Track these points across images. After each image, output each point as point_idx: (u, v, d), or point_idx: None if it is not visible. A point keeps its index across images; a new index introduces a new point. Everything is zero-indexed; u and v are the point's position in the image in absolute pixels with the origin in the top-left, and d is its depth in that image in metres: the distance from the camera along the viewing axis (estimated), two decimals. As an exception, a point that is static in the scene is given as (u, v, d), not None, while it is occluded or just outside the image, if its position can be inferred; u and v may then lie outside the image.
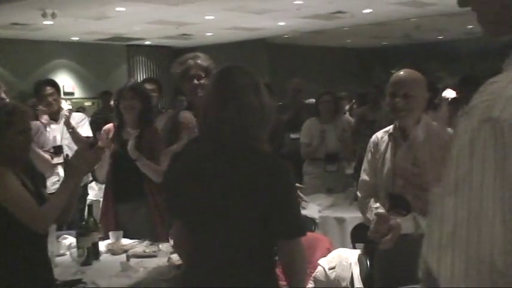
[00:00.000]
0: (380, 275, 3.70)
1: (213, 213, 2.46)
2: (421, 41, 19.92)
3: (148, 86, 6.23)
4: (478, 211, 1.08)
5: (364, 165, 3.78)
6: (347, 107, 11.44)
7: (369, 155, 3.74)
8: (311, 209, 5.60)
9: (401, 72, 3.56)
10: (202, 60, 4.06)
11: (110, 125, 4.87)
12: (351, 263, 4.32)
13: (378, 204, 3.59)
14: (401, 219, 3.41)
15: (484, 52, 18.63)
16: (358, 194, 3.82)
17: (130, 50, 18.40)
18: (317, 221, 5.44)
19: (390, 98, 3.53)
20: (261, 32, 16.42)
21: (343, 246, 4.84)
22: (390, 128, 3.67)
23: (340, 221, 5.43)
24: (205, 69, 4.04)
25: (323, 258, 4.46)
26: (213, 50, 17.58)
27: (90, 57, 17.36)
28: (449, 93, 9.56)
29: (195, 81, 4.02)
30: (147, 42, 17.89)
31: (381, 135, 3.71)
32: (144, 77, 17.70)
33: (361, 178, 3.79)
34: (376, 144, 3.70)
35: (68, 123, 5.79)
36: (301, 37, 17.73)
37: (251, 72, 2.59)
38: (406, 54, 20.11)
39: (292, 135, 7.40)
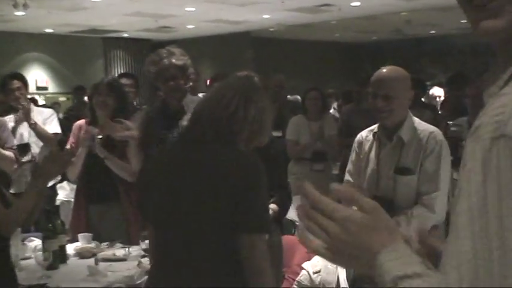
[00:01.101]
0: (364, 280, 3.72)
1: (179, 212, 2.51)
2: (412, 36, 20.03)
3: (124, 81, 6.23)
4: (500, 245, 0.96)
5: (349, 166, 3.81)
6: (335, 105, 11.48)
7: (353, 155, 3.77)
8: (291, 211, 5.61)
9: (383, 71, 3.56)
10: (177, 58, 4.05)
11: (81, 121, 4.84)
12: (336, 267, 4.34)
13: None
14: None
15: (478, 48, 18.79)
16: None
17: (107, 43, 18.35)
18: (297, 223, 5.46)
19: (371, 98, 3.55)
20: (245, 25, 16.44)
21: (325, 249, 4.86)
22: (375, 127, 3.69)
23: (322, 223, 5.45)
24: (181, 68, 4.04)
25: (307, 262, 4.48)
26: (195, 43, 17.62)
27: (65, 50, 17.30)
28: (437, 91, 9.61)
29: (171, 83, 4.03)
30: (125, 35, 17.85)
31: (365, 135, 3.74)
32: (122, 71, 17.65)
33: (345, 179, 3.83)
34: (361, 144, 3.73)
35: (27, 116, 5.76)
36: (287, 31, 17.76)
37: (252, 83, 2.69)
38: (396, 50, 20.24)
39: (275, 133, 7.41)
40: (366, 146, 3.68)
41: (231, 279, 2.47)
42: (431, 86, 10.60)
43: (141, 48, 18.24)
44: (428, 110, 6.85)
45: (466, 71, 7.46)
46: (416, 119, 3.61)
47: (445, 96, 8.14)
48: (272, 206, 3.72)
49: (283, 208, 3.99)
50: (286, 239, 4.97)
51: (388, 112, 3.48)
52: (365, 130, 3.77)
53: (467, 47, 19.14)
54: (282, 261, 2.62)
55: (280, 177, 3.82)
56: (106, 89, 4.64)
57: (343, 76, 18.91)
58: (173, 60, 4.03)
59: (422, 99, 9.00)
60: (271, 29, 17.53)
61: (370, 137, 3.68)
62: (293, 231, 5.32)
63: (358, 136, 3.77)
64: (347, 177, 3.79)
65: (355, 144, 3.77)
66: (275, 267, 3.24)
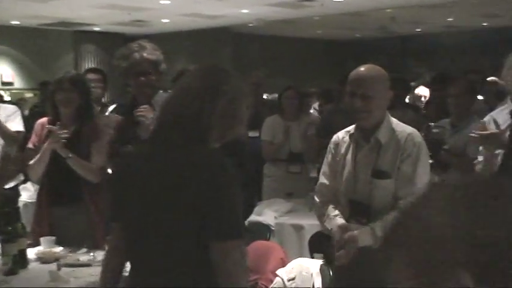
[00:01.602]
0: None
1: (148, 214, 2.51)
2: (397, 34, 20.14)
3: (91, 77, 6.20)
4: None
5: (324, 168, 3.81)
6: (316, 105, 11.50)
7: (329, 157, 3.77)
8: (266, 215, 5.64)
9: (361, 69, 3.56)
10: (149, 53, 4.04)
11: (44, 119, 4.80)
12: (312, 274, 4.35)
13: (336, 212, 3.61)
14: (358, 232, 3.46)
15: (465, 46, 18.93)
16: (316, 199, 3.84)
17: (77, 36, 18.27)
18: (272, 228, 5.48)
19: (348, 98, 3.55)
20: (224, 20, 16.44)
21: (301, 255, 4.88)
22: (352, 127, 3.69)
23: (298, 228, 5.47)
24: (153, 63, 4.02)
25: (282, 269, 4.49)
26: (170, 39, 17.58)
27: (33, 43, 17.20)
28: (423, 91, 9.67)
29: (142, 78, 4.01)
30: (97, 29, 17.77)
31: (342, 136, 3.74)
32: (93, 67, 17.59)
33: (319, 181, 3.82)
34: (337, 145, 3.73)
35: None
36: (268, 26, 17.77)
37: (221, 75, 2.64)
38: (380, 48, 20.34)
39: (251, 134, 7.42)
40: (343, 148, 3.69)
41: (202, 286, 2.47)
42: (417, 85, 10.65)
43: (113, 43, 18.14)
44: (410, 111, 6.88)
45: (453, 71, 7.49)
46: (394, 120, 3.62)
47: (429, 96, 8.18)
48: None
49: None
50: (260, 244, 4.98)
51: (366, 113, 3.49)
52: (341, 131, 3.77)
53: (455, 45, 19.29)
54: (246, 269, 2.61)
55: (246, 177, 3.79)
56: (69, 84, 4.60)
57: (325, 75, 18.95)
58: (145, 55, 4.01)
59: (406, 100, 9.06)
60: (251, 25, 17.54)
61: (347, 138, 3.68)
62: (268, 235, 5.33)
63: (335, 137, 3.78)
64: (322, 179, 3.79)
65: (331, 146, 3.77)
66: None
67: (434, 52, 19.99)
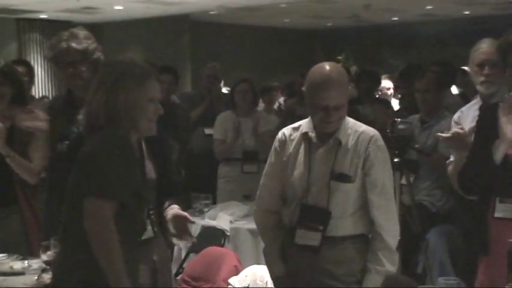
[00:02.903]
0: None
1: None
2: (372, 23, 20.19)
3: (20, 70, 6.21)
4: None
5: (266, 169, 3.79)
6: (281, 100, 11.54)
7: (272, 156, 3.74)
8: (221, 219, 5.67)
9: (325, 76, 3.47)
10: (78, 42, 4.03)
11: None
12: (267, 282, 4.38)
13: (276, 250, 3.73)
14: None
15: (445, 36, 19.08)
16: (256, 206, 3.85)
17: (21, 24, 18.09)
18: (227, 233, 5.50)
19: (314, 109, 3.51)
20: (182, 7, 16.38)
21: (257, 262, 4.90)
22: (301, 124, 3.67)
23: (255, 233, 5.46)
24: (83, 52, 4.02)
25: (234, 277, 4.53)
26: (123, 27, 17.53)
27: (-29, 32, 17.04)
28: (387, 84, 9.74)
29: (70, 69, 4.02)
30: (43, 16, 17.61)
31: (289, 133, 3.71)
32: (38, 57, 17.50)
33: (261, 183, 3.81)
34: (284, 143, 3.69)
35: None
36: (230, 14, 17.75)
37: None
38: (354, 38, 20.42)
39: (207, 131, 7.45)
40: (290, 147, 3.66)
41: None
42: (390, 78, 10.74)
43: (61, 31, 18.05)
44: (380, 106, 6.97)
45: (431, 63, 7.53)
46: (351, 120, 3.64)
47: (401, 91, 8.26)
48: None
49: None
50: (212, 250, 5.01)
51: (337, 121, 3.50)
52: (287, 128, 3.74)
53: (433, 36, 19.42)
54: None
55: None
56: None
57: (294, 67, 19.00)
58: (73, 44, 4.00)
59: (378, 94, 9.15)
60: (212, 12, 17.51)
61: (295, 136, 3.65)
62: (222, 241, 5.35)
63: (280, 134, 3.74)
64: (263, 180, 3.78)
65: (276, 144, 3.73)
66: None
67: (412, 43, 20.11)
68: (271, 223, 3.75)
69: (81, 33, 4.09)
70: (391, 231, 3.55)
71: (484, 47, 4.28)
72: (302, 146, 3.61)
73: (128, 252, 2.91)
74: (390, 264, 3.52)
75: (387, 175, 3.57)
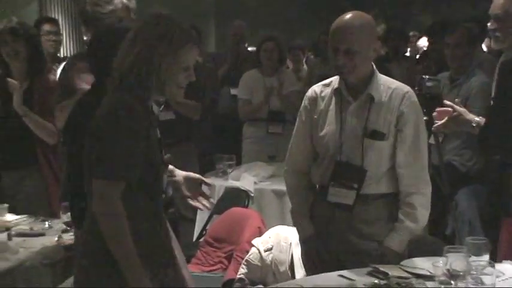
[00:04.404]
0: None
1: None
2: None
3: (47, 28, 6.19)
4: None
5: (296, 128, 3.72)
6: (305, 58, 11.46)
7: (303, 114, 3.67)
8: (245, 179, 5.64)
9: (343, 19, 3.46)
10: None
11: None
12: (291, 243, 4.37)
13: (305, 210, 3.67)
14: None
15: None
16: (286, 166, 3.81)
17: (42, -17, 18.09)
18: (251, 194, 5.48)
19: (332, 53, 3.47)
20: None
21: (282, 223, 4.89)
22: (333, 81, 3.59)
23: (280, 194, 5.46)
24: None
25: (257, 238, 4.51)
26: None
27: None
28: (425, 42, 9.65)
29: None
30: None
31: (319, 90, 3.64)
32: (61, 18, 17.43)
33: (291, 143, 3.75)
34: (314, 100, 3.62)
35: None
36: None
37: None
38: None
39: (233, 91, 7.41)
40: (322, 104, 3.59)
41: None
42: (420, 36, 10.61)
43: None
44: (405, 63, 6.90)
45: (460, 19, 7.40)
46: (383, 76, 3.56)
47: (427, 48, 8.15)
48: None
49: None
50: (236, 211, 5.01)
51: (352, 68, 3.41)
52: (318, 84, 3.65)
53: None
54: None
55: None
56: (11, 35, 4.60)
57: (321, 25, 18.86)
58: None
59: (407, 53, 9.07)
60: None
61: (327, 92, 3.59)
62: (246, 202, 5.35)
63: (310, 91, 3.67)
64: (293, 140, 3.72)
65: (305, 102, 3.66)
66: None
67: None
68: (303, 183, 3.70)
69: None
70: (419, 189, 3.48)
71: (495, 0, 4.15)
72: (333, 102, 3.55)
73: (154, 227, 2.88)
74: (414, 224, 3.47)
75: (420, 133, 3.49)
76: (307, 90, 3.73)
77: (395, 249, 3.43)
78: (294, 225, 3.81)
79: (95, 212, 2.70)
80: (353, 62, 3.40)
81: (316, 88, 3.64)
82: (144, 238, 2.76)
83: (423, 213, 3.50)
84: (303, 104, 3.68)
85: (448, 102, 3.90)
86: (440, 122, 3.97)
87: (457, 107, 3.84)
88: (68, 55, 15.66)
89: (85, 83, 4.09)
